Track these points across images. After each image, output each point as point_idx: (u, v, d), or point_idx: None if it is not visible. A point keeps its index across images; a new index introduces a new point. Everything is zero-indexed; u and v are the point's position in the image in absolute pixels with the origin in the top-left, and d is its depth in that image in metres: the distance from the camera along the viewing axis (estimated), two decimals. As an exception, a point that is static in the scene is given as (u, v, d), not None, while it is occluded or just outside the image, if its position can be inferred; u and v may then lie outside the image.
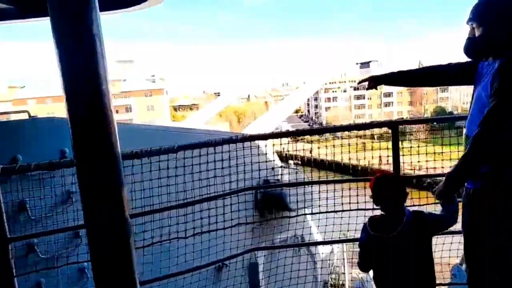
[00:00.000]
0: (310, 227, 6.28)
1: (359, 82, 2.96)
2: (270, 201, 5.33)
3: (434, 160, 3.27)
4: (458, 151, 3.02)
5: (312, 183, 3.59)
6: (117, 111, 58.78)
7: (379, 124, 3.07)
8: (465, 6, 2.58)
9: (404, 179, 3.04)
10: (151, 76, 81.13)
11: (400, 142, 3.15)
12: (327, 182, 3.37)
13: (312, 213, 3.85)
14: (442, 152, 3.21)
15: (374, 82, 2.80)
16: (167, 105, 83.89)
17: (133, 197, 3.15)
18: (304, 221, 5.74)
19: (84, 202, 1.12)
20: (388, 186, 2.54)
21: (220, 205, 3.34)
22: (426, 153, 3.26)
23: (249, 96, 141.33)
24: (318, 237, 6.91)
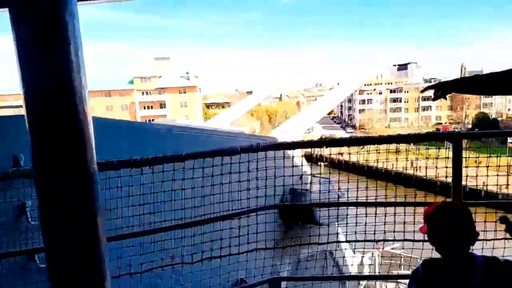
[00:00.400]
0: (342, 244, 5.56)
1: (423, 90, 2.30)
2: (297, 211, 4.73)
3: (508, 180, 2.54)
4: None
5: (347, 204, 2.94)
6: (151, 107, 59.84)
7: (440, 136, 2.38)
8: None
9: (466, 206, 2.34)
10: (185, 73, 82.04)
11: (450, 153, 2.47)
12: (366, 205, 2.70)
13: (347, 241, 3.18)
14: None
15: (442, 90, 2.14)
16: (199, 102, 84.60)
17: (130, 213, 2.64)
18: (337, 244, 5.00)
19: (43, 221, 0.94)
20: (451, 220, 1.88)
21: (236, 224, 2.79)
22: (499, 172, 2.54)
23: (281, 95, 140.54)
24: (350, 253, 6.21)
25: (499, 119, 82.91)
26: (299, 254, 4.31)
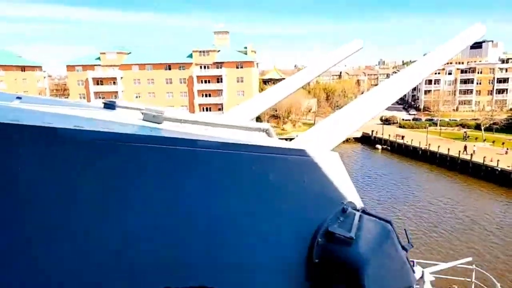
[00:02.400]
0: None
1: None
2: (335, 267, 2.01)
3: None
4: None
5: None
6: (209, 81, 59.54)
7: None
8: None
9: None
10: (243, 48, 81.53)
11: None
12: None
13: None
14: None
15: None
16: (256, 78, 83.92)
17: None
18: None
19: None
20: None
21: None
22: None
23: (340, 73, 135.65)
24: None
25: None
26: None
